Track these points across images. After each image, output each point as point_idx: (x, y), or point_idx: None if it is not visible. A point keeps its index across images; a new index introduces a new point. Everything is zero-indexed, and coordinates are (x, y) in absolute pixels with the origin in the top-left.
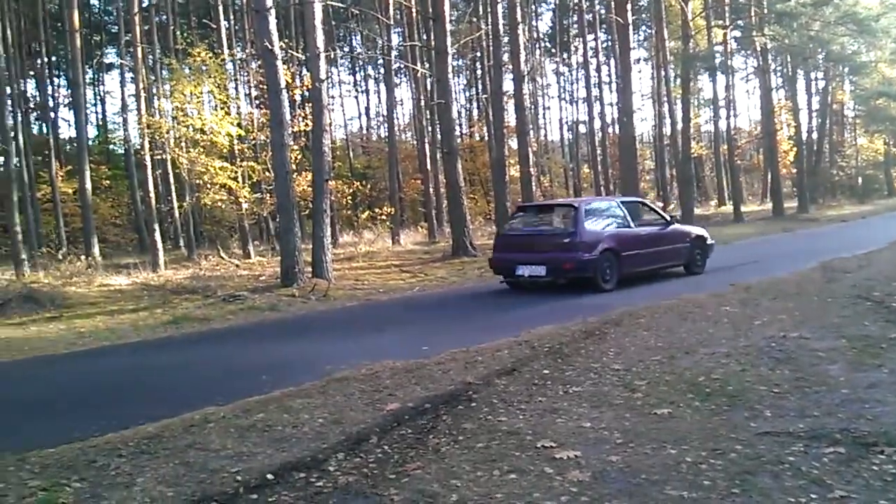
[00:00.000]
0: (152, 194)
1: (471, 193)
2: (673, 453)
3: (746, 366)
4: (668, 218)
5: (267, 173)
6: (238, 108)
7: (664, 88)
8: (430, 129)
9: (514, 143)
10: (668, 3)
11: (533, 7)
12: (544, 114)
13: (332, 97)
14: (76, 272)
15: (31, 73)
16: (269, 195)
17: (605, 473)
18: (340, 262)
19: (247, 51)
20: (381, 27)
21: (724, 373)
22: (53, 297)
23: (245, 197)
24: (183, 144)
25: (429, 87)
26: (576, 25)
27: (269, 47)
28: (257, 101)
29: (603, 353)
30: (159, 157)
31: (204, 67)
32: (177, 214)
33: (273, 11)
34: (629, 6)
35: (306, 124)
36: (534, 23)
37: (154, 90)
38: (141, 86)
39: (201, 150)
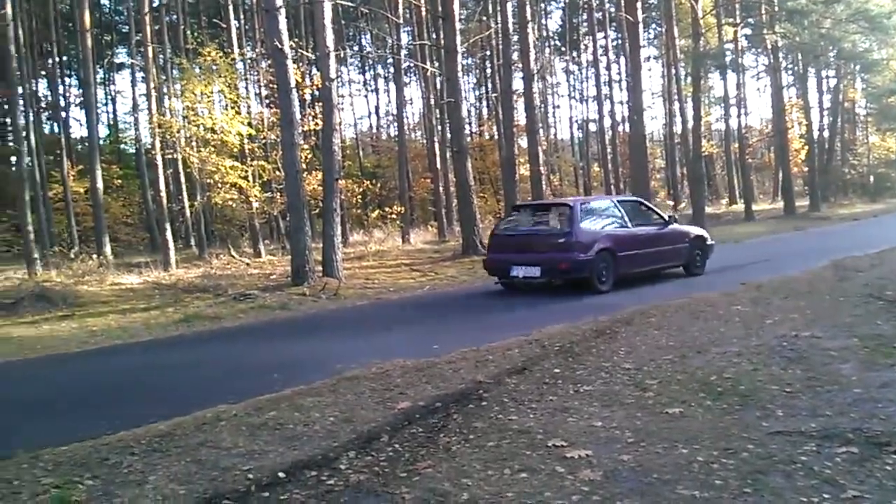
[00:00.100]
0: (163, 193)
1: (481, 192)
2: (685, 452)
3: (758, 365)
4: (667, 218)
5: (277, 172)
6: (248, 107)
7: (675, 87)
8: (439, 127)
9: (524, 142)
10: (678, 0)
11: (542, 5)
12: (554, 112)
13: (342, 96)
14: (88, 271)
15: (43, 72)
16: (279, 194)
17: (616, 472)
18: (351, 261)
19: (257, 50)
20: (390, 26)
21: (736, 372)
22: (65, 295)
23: (255, 196)
24: (194, 144)
25: (438, 86)
26: (585, 24)
27: (280, 47)
28: (267, 101)
29: (614, 352)
30: (170, 156)
31: (214, 67)
32: (188, 213)
33: (283, 11)
34: (639, 4)
35: (316, 123)
36: (543, 21)
37: (165, 90)
38: (152, 85)
39: (212, 149)
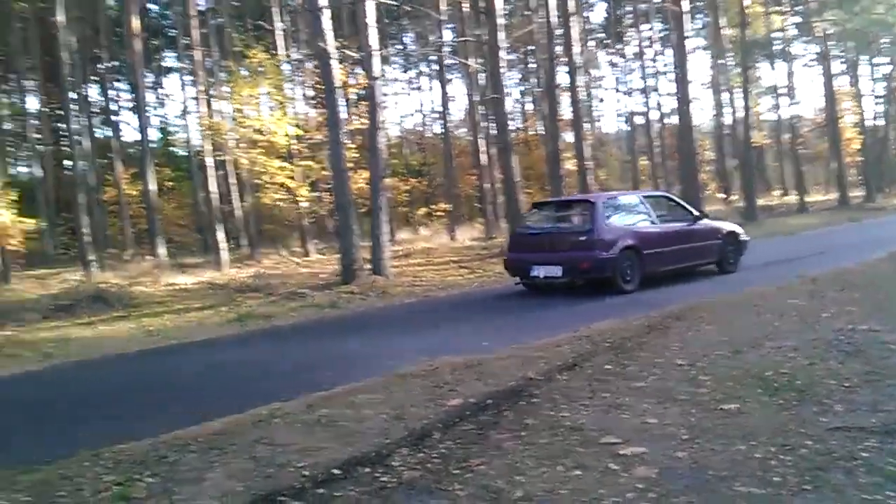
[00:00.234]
0: (214, 195)
1: (527, 188)
2: (741, 449)
3: (815, 359)
4: (697, 213)
5: (324, 172)
6: (295, 107)
7: (722, 77)
8: (484, 124)
9: (569, 137)
10: None
11: None
12: (599, 106)
13: (387, 95)
14: (142, 272)
15: (94, 78)
16: (326, 193)
17: (671, 470)
18: (398, 258)
19: (302, 51)
20: (433, 23)
21: (792, 367)
22: (121, 296)
23: (303, 196)
24: (243, 145)
25: (482, 82)
26: (630, 15)
27: (324, 47)
28: (313, 101)
29: (666, 347)
30: (220, 157)
31: (261, 69)
32: (238, 214)
33: (327, 12)
34: None
35: (362, 122)
36: (586, 14)
37: (213, 92)
38: (200, 88)
39: (260, 150)
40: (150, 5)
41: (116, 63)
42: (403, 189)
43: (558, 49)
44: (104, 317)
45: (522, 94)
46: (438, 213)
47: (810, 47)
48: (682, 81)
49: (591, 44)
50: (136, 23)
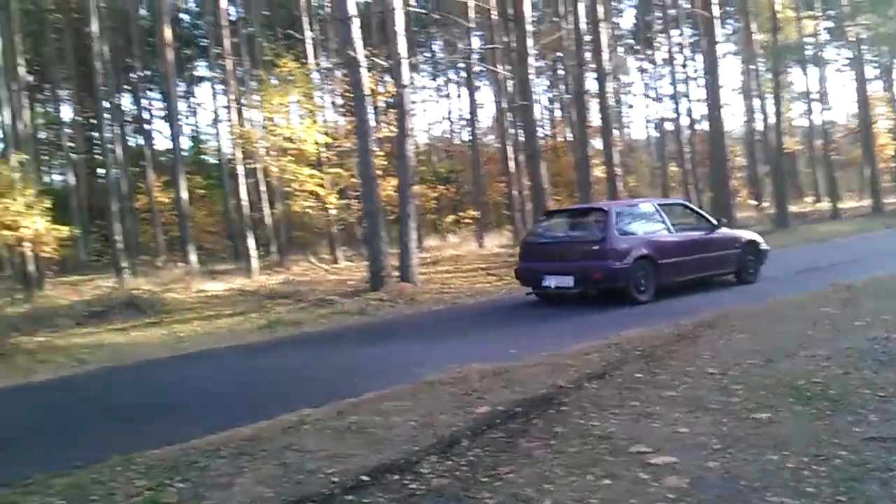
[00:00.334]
0: (245, 202)
1: (556, 195)
2: (774, 459)
3: (849, 368)
4: (715, 222)
5: (353, 179)
6: (324, 116)
7: (753, 83)
8: (512, 131)
9: (598, 144)
10: None
11: (614, 4)
12: (628, 112)
13: (415, 102)
14: (174, 279)
15: (127, 87)
16: (355, 201)
17: (703, 479)
18: (426, 266)
19: (332, 60)
20: (461, 31)
21: (826, 376)
22: (153, 303)
23: (332, 203)
24: (273, 153)
25: (510, 89)
26: (659, 21)
27: (353, 55)
28: (343, 109)
29: (696, 356)
30: (250, 165)
31: (291, 77)
32: (268, 221)
33: (356, 20)
34: None
35: (390, 130)
36: (615, 20)
37: (244, 101)
38: (231, 97)
39: (290, 158)
40: (181, 15)
41: (149, 72)
42: (432, 196)
43: (587, 55)
44: (136, 323)
45: (551, 100)
46: (466, 221)
47: (843, 52)
48: (712, 87)
49: (621, 50)
50: (168, 33)
